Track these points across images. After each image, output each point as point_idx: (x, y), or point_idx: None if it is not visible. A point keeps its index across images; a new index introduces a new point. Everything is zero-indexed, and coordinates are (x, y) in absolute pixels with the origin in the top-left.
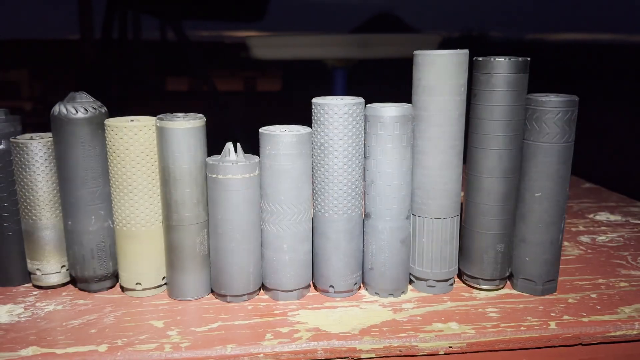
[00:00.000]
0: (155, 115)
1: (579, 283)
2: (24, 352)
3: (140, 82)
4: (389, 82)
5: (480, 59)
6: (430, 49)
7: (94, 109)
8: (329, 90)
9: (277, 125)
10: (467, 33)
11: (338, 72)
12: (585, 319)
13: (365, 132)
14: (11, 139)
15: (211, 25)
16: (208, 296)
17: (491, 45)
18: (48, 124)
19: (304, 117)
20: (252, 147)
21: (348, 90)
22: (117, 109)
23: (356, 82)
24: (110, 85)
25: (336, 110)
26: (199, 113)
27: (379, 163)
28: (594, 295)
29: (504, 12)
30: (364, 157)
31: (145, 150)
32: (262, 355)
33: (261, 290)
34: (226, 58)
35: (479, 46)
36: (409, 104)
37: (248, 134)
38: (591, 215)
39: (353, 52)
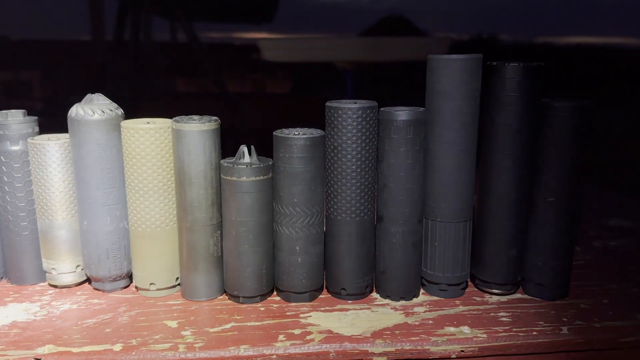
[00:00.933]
0: (164, 116)
1: (591, 288)
2: (41, 350)
3: (149, 83)
4: (400, 84)
5: (494, 63)
6: (440, 52)
7: (111, 110)
8: (339, 92)
9: (290, 128)
10: (477, 36)
11: (349, 74)
12: (597, 325)
13: (378, 136)
14: (29, 140)
15: (220, 26)
16: (221, 297)
17: (501, 48)
18: (58, 124)
19: (313, 119)
20: (262, 149)
21: (358, 93)
22: (127, 110)
23: (367, 84)
24: (120, 86)
25: (350, 114)
26: (208, 114)
27: (391, 166)
28: (605, 301)
29: (514, 15)
30: (377, 160)
31: (161, 152)
32: (275, 356)
33: (273, 292)
34: (236, 59)
35: (489, 49)
36: (422, 108)
37: (257, 135)
38: (603, 221)
39: (364, 55)
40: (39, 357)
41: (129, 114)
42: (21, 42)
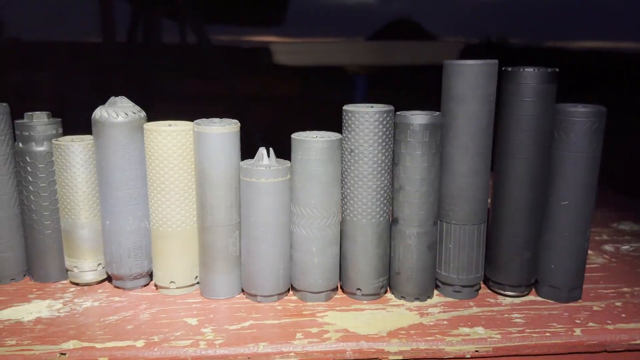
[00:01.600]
0: (173, 118)
1: (604, 291)
2: (65, 346)
3: (158, 85)
4: (408, 87)
5: (509, 69)
6: (452, 57)
7: (134, 113)
8: (349, 95)
9: (308, 131)
10: (486, 39)
11: (359, 78)
12: (610, 327)
13: (394, 139)
14: (53, 141)
15: (230, 29)
16: (239, 296)
17: (512, 51)
18: (67, 125)
19: (323, 121)
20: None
21: (368, 96)
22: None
23: (377, 87)
24: (130, 87)
25: (367, 117)
26: (217, 116)
27: (407, 169)
28: (618, 304)
29: (525, 19)
30: (393, 163)
31: (182, 154)
32: (293, 354)
33: (290, 292)
34: (244, 62)
35: (499, 53)
36: (438, 112)
37: (267, 137)
38: (615, 225)
39: (373, 58)
40: (64, 352)
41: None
42: (33, 43)
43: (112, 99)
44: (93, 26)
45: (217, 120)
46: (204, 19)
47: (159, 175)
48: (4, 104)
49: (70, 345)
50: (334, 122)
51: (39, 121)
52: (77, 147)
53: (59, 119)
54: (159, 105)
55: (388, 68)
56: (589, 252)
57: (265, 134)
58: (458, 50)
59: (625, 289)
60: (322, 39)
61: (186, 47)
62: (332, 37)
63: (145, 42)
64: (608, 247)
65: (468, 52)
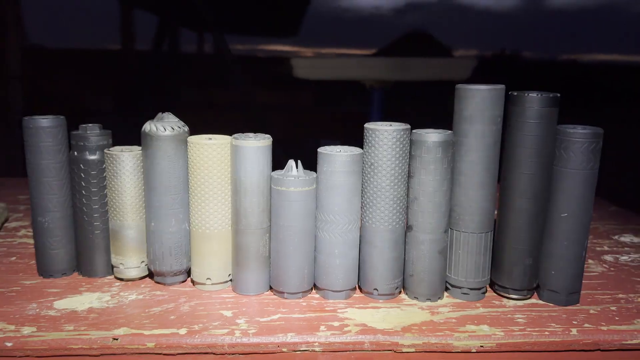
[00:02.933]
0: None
1: (600, 297)
2: (117, 332)
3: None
4: (424, 102)
5: (515, 93)
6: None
7: (179, 127)
8: (364, 108)
9: (332, 146)
10: (500, 52)
11: (375, 92)
12: (604, 328)
13: (410, 154)
14: (105, 151)
15: (245, 38)
16: (267, 292)
17: (524, 64)
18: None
19: (335, 132)
20: (285, 159)
21: (384, 110)
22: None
23: (393, 101)
24: (148, 95)
25: (386, 135)
26: (234, 125)
27: (422, 182)
28: (613, 308)
29: (538, 32)
30: (409, 176)
31: (221, 164)
32: (317, 343)
33: (313, 290)
34: (260, 71)
35: (511, 65)
36: (450, 131)
37: (283, 146)
38: (616, 237)
39: (391, 74)
40: (116, 337)
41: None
42: (55, 50)
43: (160, 114)
44: (112, 34)
45: (252, 134)
46: (224, 29)
47: (199, 182)
48: (61, 117)
49: (121, 331)
50: (346, 133)
51: (92, 132)
52: (126, 157)
53: (110, 131)
54: (179, 115)
55: (403, 82)
56: (590, 261)
57: (283, 143)
58: (471, 66)
59: (621, 295)
60: (337, 49)
61: (203, 57)
62: (347, 49)
63: (168, 52)
64: (608, 257)
65: (479, 69)
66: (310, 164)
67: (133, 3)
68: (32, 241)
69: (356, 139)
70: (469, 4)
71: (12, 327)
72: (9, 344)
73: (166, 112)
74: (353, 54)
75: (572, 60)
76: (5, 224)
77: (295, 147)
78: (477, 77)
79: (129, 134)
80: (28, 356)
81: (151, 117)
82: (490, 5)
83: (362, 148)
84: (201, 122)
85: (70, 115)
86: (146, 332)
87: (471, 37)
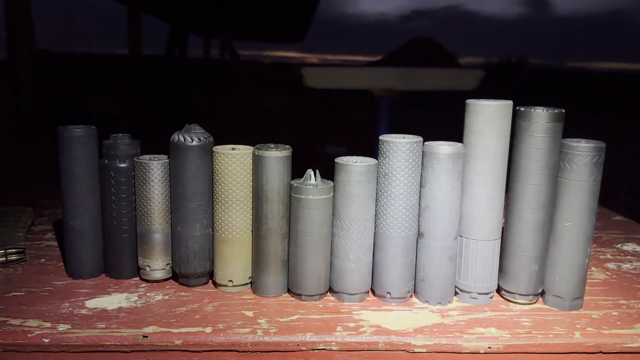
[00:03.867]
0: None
1: (603, 302)
2: (147, 330)
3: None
4: (431, 111)
5: (522, 109)
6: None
7: (205, 138)
8: (371, 115)
9: (349, 157)
10: (506, 59)
11: (383, 101)
12: (606, 332)
13: (422, 165)
14: (135, 159)
15: (252, 45)
16: (285, 294)
17: (529, 71)
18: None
19: (340, 138)
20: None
21: (392, 118)
22: (162, 126)
23: (401, 110)
24: (159, 101)
25: (400, 147)
26: (242, 132)
27: (433, 191)
28: (615, 313)
29: (544, 40)
30: (421, 185)
31: (244, 173)
32: (334, 343)
33: (329, 293)
34: (266, 78)
35: (517, 72)
36: (460, 144)
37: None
38: (619, 245)
39: (399, 84)
40: (146, 335)
41: (167, 130)
42: (62, 55)
43: (187, 126)
44: (122, 40)
45: (273, 145)
46: (234, 37)
47: (223, 190)
48: (93, 127)
49: (150, 329)
50: (352, 139)
51: (123, 142)
52: (155, 165)
53: (138, 141)
54: (181, 120)
55: (410, 92)
56: (593, 268)
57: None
58: (476, 76)
59: (622, 301)
60: (342, 56)
61: (209, 64)
62: (353, 55)
63: (177, 58)
64: (611, 265)
65: (485, 78)
66: (316, 168)
67: (142, 10)
68: (58, 244)
69: (361, 146)
70: (475, 12)
71: (48, 324)
72: (46, 340)
73: (193, 124)
74: (359, 60)
75: (579, 68)
76: (31, 227)
77: (301, 152)
78: (483, 85)
79: (138, 137)
80: (64, 351)
81: (161, 121)
82: (496, 14)
83: (368, 154)
84: (205, 127)
85: (79, 119)
86: (174, 330)
87: (477, 45)
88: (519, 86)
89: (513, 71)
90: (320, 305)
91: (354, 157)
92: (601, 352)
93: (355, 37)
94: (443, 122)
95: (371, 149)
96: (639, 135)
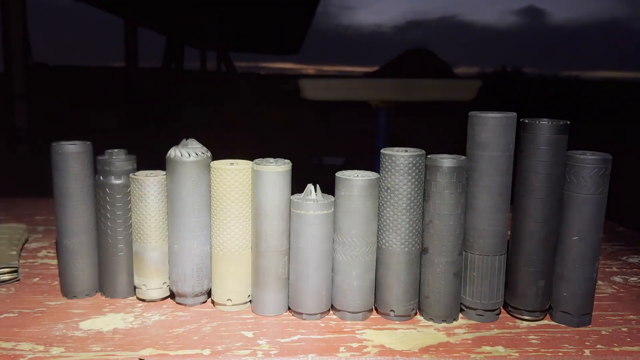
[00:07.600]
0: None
1: (612, 318)
2: (143, 352)
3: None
4: (428, 121)
5: (526, 120)
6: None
7: (202, 153)
8: (369, 125)
9: (350, 170)
10: (501, 69)
11: (381, 111)
12: (616, 349)
13: (425, 179)
14: (130, 175)
15: (248, 56)
16: (286, 313)
17: (525, 80)
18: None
19: (339, 148)
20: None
21: (389, 128)
22: (158, 136)
23: (398, 120)
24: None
25: (402, 160)
26: (238, 143)
27: (437, 206)
28: (624, 329)
29: (538, 49)
30: (424, 199)
31: (242, 189)
32: None
33: (330, 311)
34: (262, 89)
35: (513, 81)
36: (464, 157)
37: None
38: (625, 258)
39: (397, 95)
40: (142, 358)
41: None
42: (58, 67)
43: (184, 140)
44: (119, 53)
45: (272, 160)
46: (228, 48)
47: (222, 206)
48: (88, 143)
49: (147, 352)
50: (350, 150)
51: (118, 158)
52: (151, 181)
53: (134, 156)
54: (185, 133)
55: (408, 102)
56: (600, 282)
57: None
58: (473, 86)
59: (631, 316)
60: (339, 67)
61: (205, 75)
62: (349, 66)
63: (176, 70)
64: (617, 279)
65: (481, 88)
66: (313, 181)
67: (138, 22)
68: (53, 262)
69: (359, 157)
70: (470, 22)
71: (41, 348)
72: None
73: (190, 139)
74: (355, 71)
75: (574, 77)
76: (25, 245)
77: (298, 164)
78: (479, 96)
79: (134, 151)
80: None
81: (155, 134)
82: (490, 24)
83: (367, 164)
84: (201, 140)
85: (75, 133)
86: (171, 353)
87: (472, 55)
88: (515, 95)
89: (509, 80)
90: (322, 324)
91: (355, 171)
92: None
93: (351, 48)
94: (441, 133)
95: (370, 159)
96: (637, 144)
